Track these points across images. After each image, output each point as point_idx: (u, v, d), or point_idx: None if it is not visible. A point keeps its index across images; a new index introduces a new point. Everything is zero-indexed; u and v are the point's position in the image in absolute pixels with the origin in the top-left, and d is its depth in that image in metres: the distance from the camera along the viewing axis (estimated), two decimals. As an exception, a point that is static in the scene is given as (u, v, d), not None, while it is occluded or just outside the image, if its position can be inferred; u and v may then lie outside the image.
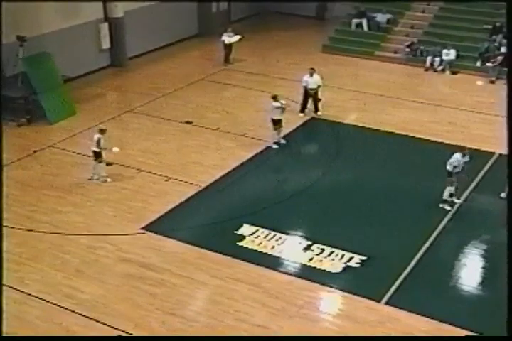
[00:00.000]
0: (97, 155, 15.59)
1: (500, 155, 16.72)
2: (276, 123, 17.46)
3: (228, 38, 23.89)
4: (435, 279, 12.34)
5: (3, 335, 6.97)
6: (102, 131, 15.56)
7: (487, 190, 15.41)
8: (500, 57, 22.87)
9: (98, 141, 15.41)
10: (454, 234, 13.83)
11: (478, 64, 23.79)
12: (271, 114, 17.44)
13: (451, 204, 14.67)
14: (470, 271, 12.85)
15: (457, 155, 14.35)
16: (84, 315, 11.21)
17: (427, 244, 13.30)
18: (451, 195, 14.64)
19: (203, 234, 13.74)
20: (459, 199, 14.85)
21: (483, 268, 12.90)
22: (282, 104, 17.34)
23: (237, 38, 23.96)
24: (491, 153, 17.04)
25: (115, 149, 15.69)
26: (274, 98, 17.40)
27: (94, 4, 22.61)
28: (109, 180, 15.74)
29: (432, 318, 11.19)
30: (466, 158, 14.38)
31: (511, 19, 7.67)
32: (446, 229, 13.90)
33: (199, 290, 12.02)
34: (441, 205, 14.62)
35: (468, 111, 20.25)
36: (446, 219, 14.24)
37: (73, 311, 11.31)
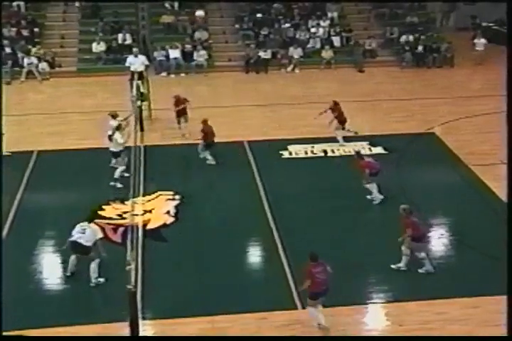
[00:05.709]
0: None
1: (39, 151, 17.30)
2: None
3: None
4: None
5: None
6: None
7: (37, 189, 15.59)
8: None
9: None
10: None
11: None
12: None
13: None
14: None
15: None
16: None
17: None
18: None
19: None
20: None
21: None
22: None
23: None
24: (31, 151, 17.37)
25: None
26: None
27: None
28: None
29: None
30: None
31: (511, 19, 8.17)
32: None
33: None
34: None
35: None
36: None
37: None
